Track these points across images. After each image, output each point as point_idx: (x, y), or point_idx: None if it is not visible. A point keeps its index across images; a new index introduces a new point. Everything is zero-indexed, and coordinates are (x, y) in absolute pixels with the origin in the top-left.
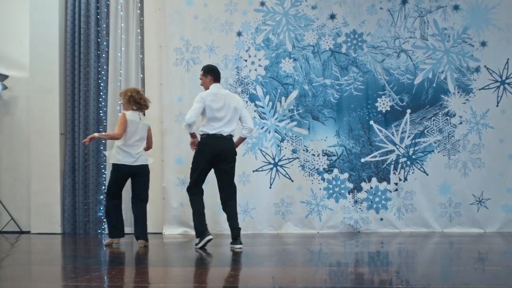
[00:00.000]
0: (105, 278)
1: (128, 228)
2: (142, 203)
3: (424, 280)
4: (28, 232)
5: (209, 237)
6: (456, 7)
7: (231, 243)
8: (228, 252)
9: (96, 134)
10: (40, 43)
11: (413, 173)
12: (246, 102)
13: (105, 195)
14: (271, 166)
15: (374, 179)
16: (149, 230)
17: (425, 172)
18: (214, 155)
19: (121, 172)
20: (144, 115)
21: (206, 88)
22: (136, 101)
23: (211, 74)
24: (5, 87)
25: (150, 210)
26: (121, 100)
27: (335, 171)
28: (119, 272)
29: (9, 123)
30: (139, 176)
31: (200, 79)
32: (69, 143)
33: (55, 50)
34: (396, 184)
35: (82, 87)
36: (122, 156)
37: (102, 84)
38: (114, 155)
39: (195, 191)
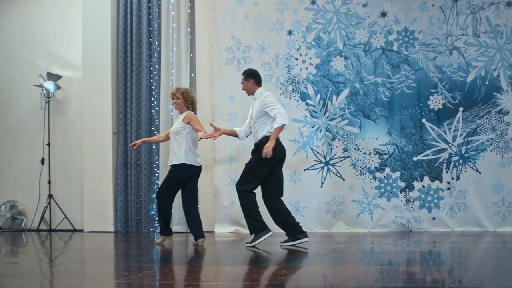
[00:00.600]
0: (157, 276)
1: (179, 227)
2: (196, 203)
3: (476, 280)
4: (81, 230)
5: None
6: (509, 4)
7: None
8: (279, 251)
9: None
10: (93, 43)
11: (465, 171)
12: (297, 101)
13: (162, 194)
14: (322, 164)
15: (426, 178)
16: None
17: (477, 170)
18: (280, 159)
19: (190, 172)
20: None
21: (249, 92)
22: (194, 102)
23: (253, 77)
24: (58, 87)
25: (201, 208)
26: (176, 98)
27: (387, 169)
28: (171, 270)
29: (62, 122)
30: (197, 176)
31: (242, 83)
32: (121, 142)
33: (108, 50)
34: (448, 183)
35: (134, 87)
36: (194, 156)
37: (154, 83)
38: (189, 155)
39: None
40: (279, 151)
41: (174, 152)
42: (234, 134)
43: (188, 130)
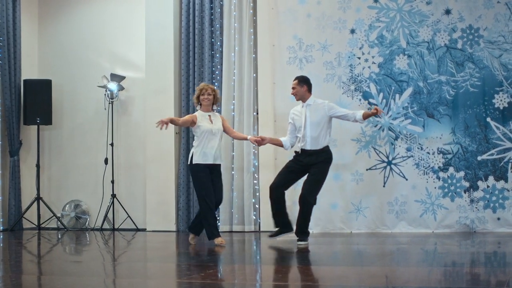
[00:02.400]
0: (219, 275)
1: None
2: None
3: None
4: (144, 230)
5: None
6: None
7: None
8: (340, 251)
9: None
10: (156, 44)
11: None
12: (359, 100)
13: (206, 197)
14: (385, 164)
15: (491, 178)
16: (262, 228)
17: None
18: None
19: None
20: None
21: (301, 98)
22: (217, 102)
23: (307, 84)
24: (122, 88)
25: (263, 208)
26: (207, 94)
27: (451, 169)
28: (232, 270)
29: (126, 123)
30: None
31: (294, 87)
32: (184, 142)
33: (170, 51)
34: None
35: (196, 87)
36: None
37: (216, 83)
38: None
39: None
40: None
41: (218, 152)
42: (279, 144)
43: None
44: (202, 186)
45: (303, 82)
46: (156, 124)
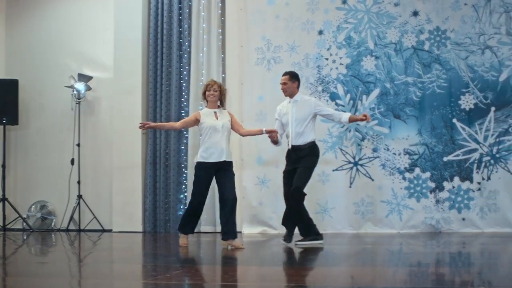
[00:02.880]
0: (185, 276)
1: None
2: None
3: (507, 281)
4: (110, 231)
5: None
6: None
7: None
8: (306, 252)
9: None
10: (124, 44)
11: (496, 172)
12: (327, 100)
13: (193, 196)
14: (351, 165)
15: (456, 178)
16: None
17: (509, 171)
18: None
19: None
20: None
21: (290, 94)
22: (225, 98)
23: (298, 81)
24: (89, 88)
25: None
26: (213, 90)
27: (417, 170)
28: (199, 270)
29: (93, 123)
30: None
31: (285, 83)
32: (151, 142)
33: (138, 51)
34: (479, 183)
35: (164, 88)
36: None
37: (183, 84)
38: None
39: None
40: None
41: (224, 149)
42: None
43: None
44: (195, 184)
45: (295, 78)
46: (140, 124)
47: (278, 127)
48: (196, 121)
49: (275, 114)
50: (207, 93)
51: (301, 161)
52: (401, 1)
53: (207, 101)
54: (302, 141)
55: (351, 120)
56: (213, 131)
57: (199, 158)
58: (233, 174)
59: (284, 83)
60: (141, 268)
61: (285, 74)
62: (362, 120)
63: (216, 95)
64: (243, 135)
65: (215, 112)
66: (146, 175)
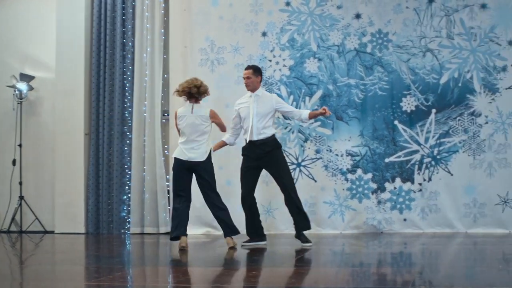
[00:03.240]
0: (128, 278)
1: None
2: None
3: (447, 281)
4: (52, 232)
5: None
6: (483, 6)
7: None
8: (249, 252)
9: None
10: (66, 44)
11: (437, 173)
12: None
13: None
14: (294, 166)
15: (398, 180)
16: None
17: (449, 172)
18: None
19: None
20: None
21: (252, 88)
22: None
23: (261, 74)
24: (31, 88)
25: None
26: (246, 78)
27: (359, 171)
28: (142, 272)
29: (35, 123)
30: None
31: (249, 77)
32: (93, 143)
33: (81, 51)
34: (420, 184)
35: (107, 88)
36: None
37: (127, 84)
38: None
39: None
40: None
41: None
42: (223, 145)
43: None
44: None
45: (258, 72)
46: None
47: (235, 123)
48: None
49: (234, 107)
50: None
51: (269, 162)
52: (344, 4)
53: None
54: (263, 135)
55: (311, 116)
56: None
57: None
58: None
59: (248, 77)
60: (83, 270)
61: (249, 68)
62: (322, 114)
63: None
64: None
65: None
66: (88, 176)
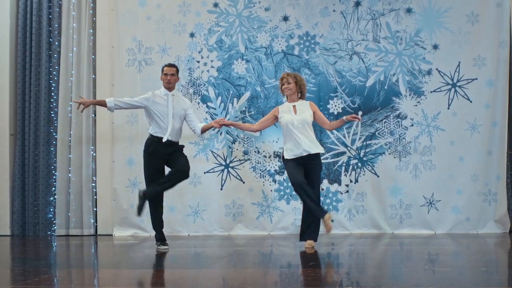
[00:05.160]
0: (55, 280)
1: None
2: None
3: (374, 281)
4: None
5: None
6: (409, 10)
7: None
8: (178, 254)
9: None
10: None
11: (364, 175)
12: (198, 103)
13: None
14: (222, 167)
15: (325, 181)
16: (99, 232)
17: (376, 174)
18: None
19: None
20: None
21: (171, 86)
22: (305, 88)
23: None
24: None
25: (100, 211)
26: (287, 83)
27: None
28: (69, 274)
29: None
30: None
31: (174, 74)
32: (19, 144)
33: (6, 49)
34: (347, 185)
35: (33, 87)
36: None
37: (53, 84)
38: None
39: None
40: None
41: (309, 141)
42: (103, 104)
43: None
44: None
45: (178, 72)
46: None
47: (133, 101)
48: (275, 119)
49: (145, 96)
50: (282, 87)
51: (176, 157)
52: (272, 6)
53: (286, 96)
54: (175, 137)
55: (203, 130)
56: (291, 127)
57: (286, 155)
58: (320, 167)
59: (172, 74)
60: (9, 273)
61: (173, 66)
62: (211, 127)
63: (292, 87)
64: (328, 130)
65: (294, 106)
66: (14, 177)
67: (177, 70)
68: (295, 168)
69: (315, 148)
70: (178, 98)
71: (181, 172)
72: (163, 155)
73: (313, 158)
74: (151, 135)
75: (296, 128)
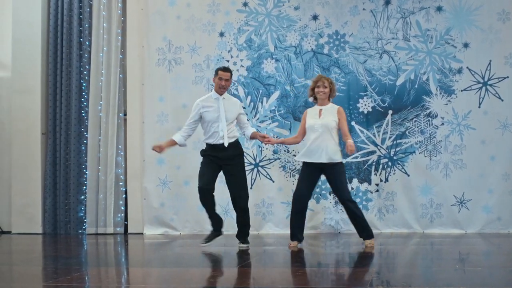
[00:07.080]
0: (86, 278)
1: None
2: None
3: (404, 281)
4: (9, 232)
5: None
6: (439, 9)
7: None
8: (207, 252)
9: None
10: (23, 42)
11: (394, 174)
12: None
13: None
14: (252, 166)
15: (355, 180)
16: (130, 230)
17: (406, 173)
18: None
19: None
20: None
21: (225, 91)
22: (334, 95)
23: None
24: None
25: (130, 210)
26: (323, 87)
27: None
28: (100, 273)
29: None
30: None
31: (228, 80)
32: (51, 143)
33: (38, 49)
34: (377, 185)
35: (64, 87)
36: None
37: (84, 84)
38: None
39: None
40: None
41: (326, 149)
42: (174, 144)
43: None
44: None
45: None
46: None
47: (191, 123)
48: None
49: (194, 108)
50: (316, 89)
51: (232, 163)
52: (301, 5)
53: (315, 98)
54: (230, 138)
55: (251, 136)
56: (310, 131)
57: (299, 157)
58: (340, 172)
59: (227, 80)
60: (41, 271)
61: (228, 70)
62: (260, 139)
63: (327, 91)
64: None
65: (320, 110)
66: (46, 175)
67: (231, 75)
68: (303, 180)
69: (327, 157)
70: (229, 101)
71: (239, 212)
72: (218, 160)
73: (329, 166)
74: (205, 144)
75: (315, 132)
